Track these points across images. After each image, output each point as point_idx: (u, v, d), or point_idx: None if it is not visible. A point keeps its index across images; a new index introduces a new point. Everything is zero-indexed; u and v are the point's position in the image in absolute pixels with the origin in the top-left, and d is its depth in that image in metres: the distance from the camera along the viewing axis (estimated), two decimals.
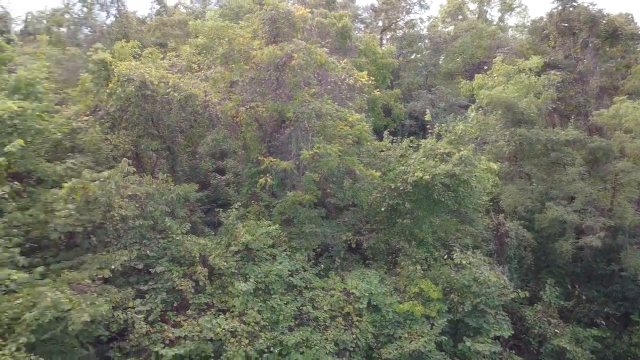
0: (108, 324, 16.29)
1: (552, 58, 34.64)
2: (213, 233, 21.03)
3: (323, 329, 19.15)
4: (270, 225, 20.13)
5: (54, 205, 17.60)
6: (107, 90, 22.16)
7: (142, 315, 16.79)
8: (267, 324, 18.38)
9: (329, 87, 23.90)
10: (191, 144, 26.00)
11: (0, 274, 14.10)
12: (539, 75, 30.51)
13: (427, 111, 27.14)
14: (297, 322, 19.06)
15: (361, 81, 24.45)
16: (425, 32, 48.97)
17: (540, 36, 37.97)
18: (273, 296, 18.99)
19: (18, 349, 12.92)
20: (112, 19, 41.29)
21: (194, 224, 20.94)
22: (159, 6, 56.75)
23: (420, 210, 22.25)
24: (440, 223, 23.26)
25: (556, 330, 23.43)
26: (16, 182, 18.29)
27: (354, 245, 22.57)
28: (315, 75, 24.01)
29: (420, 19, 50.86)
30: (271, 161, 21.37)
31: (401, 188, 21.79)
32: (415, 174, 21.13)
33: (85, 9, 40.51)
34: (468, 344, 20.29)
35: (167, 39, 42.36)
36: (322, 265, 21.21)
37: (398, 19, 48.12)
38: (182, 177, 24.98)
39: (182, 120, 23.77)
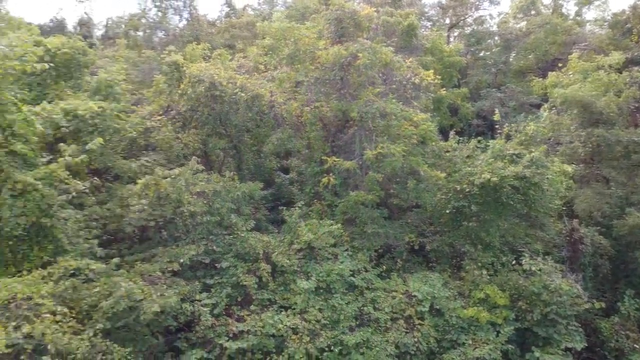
0: (176, 315, 16.94)
1: (635, 54, 32.38)
2: (276, 231, 21.38)
3: (384, 330, 18.98)
4: (332, 225, 20.20)
5: (129, 200, 18.61)
6: (179, 91, 23.10)
7: (208, 308, 17.34)
8: (328, 322, 18.45)
9: (394, 86, 23.66)
10: (257, 143, 26.57)
11: (80, 263, 15.03)
12: (620, 73, 28.60)
13: (496, 110, 26.20)
14: (357, 323, 19.00)
15: (427, 80, 24.02)
16: (495, 28, 47.34)
17: (621, 30, 35.58)
18: (334, 295, 19.04)
19: (95, 335, 13.71)
20: (185, 22, 43.11)
21: (258, 222, 21.41)
22: (228, 9, 58.53)
23: (487, 213, 21.52)
24: (508, 227, 22.39)
25: (635, 345, 21.84)
26: (95, 178, 19.48)
27: (416, 247, 22.20)
28: (380, 75, 23.85)
29: (490, 15, 49.45)
30: (334, 161, 21.43)
31: (467, 190, 21.17)
32: (483, 175, 20.45)
33: (160, 14, 42.48)
34: (537, 354, 19.37)
35: (235, 41, 43.64)
36: (383, 267, 21.03)
37: (466, 16, 46.80)
38: (247, 175, 25.63)
39: (249, 120, 24.34)
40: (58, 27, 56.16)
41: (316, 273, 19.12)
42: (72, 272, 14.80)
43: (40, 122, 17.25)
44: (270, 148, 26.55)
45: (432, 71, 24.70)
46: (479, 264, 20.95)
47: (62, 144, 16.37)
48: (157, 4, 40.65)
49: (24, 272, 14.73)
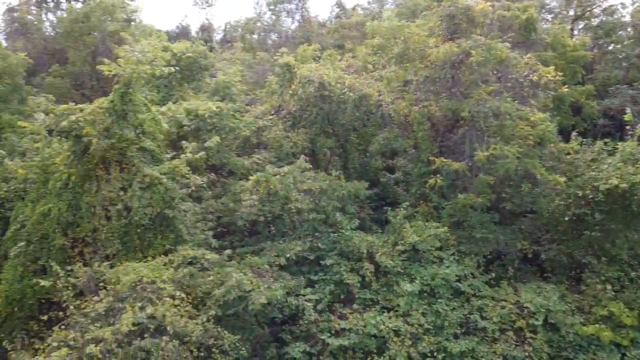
0: (281, 308, 17.51)
1: None
2: (380, 231, 21.26)
3: (491, 341, 18.07)
4: (438, 227, 19.63)
5: (241, 196, 19.61)
6: (290, 91, 23.88)
7: (312, 304, 17.70)
8: (431, 327, 17.98)
9: (509, 84, 22.35)
10: (363, 142, 26.65)
11: (197, 253, 16.13)
12: None
13: (627, 109, 23.66)
14: (462, 330, 18.30)
15: (546, 77, 22.37)
16: (627, 19, 42.81)
17: None
18: (439, 300, 18.51)
19: (208, 320, 14.62)
20: (296, 24, 44.48)
21: (362, 221, 21.44)
22: (338, 9, 59.38)
23: (614, 222, 19.54)
24: (638, 239, 20.17)
25: None
26: (212, 174, 20.81)
27: (530, 256, 20.82)
28: (494, 72, 22.69)
29: (622, 4, 44.69)
30: (442, 161, 20.79)
31: (590, 196, 19.37)
32: (610, 181, 18.59)
33: (273, 17, 44.25)
34: None
35: (344, 41, 44.15)
36: (492, 274, 20.00)
37: (594, 6, 42.85)
38: (353, 174, 25.78)
39: (356, 120, 24.50)
40: (183, 33, 60.92)
41: (420, 276, 18.71)
42: (189, 260, 15.90)
43: (166, 121, 18.85)
44: (376, 147, 26.48)
45: (552, 67, 22.93)
46: (603, 277, 19.13)
47: (184, 142, 17.68)
48: (272, 7, 42.34)
49: (149, 258, 16.11)
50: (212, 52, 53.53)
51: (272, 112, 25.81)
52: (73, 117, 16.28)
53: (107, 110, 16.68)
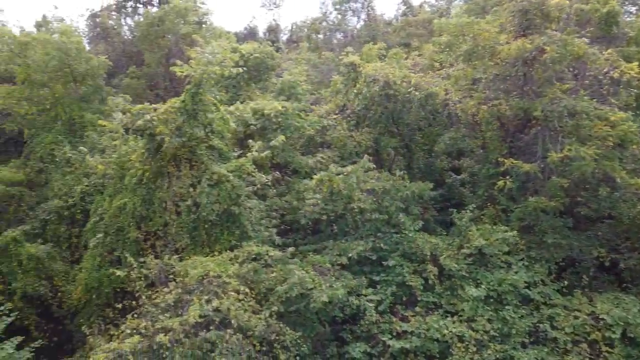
0: (343, 307, 17.51)
1: None
2: (445, 233, 20.77)
3: (562, 352, 17.15)
4: (507, 231, 18.88)
5: (304, 194, 19.82)
6: (355, 90, 23.85)
7: (373, 304, 17.58)
8: (498, 335, 17.34)
9: (587, 82, 21.11)
10: (428, 142, 26.15)
11: (261, 249, 16.48)
12: None
13: None
14: (531, 340, 17.50)
15: (629, 74, 20.90)
16: None
17: None
18: (506, 307, 17.80)
19: (270, 316, 14.90)
20: (362, 23, 44.31)
21: (426, 222, 21.03)
22: (405, 7, 58.62)
23: None
24: None
25: None
26: (277, 172, 21.16)
27: (607, 264, 19.53)
28: (570, 69, 21.52)
29: None
30: (512, 163, 19.96)
31: None
32: None
33: (339, 16, 44.32)
34: None
35: (411, 39, 43.48)
36: (565, 282, 18.97)
37: None
38: (417, 174, 25.34)
39: (421, 119, 24.08)
40: (250, 34, 62.39)
41: (486, 281, 18.09)
42: (254, 256, 16.26)
43: (234, 121, 19.38)
44: (442, 147, 25.90)
45: (636, 64, 21.42)
46: None
47: (250, 141, 18.10)
48: (337, 7, 42.45)
49: (215, 253, 16.66)
50: (278, 53, 54.59)
51: (337, 112, 25.89)
52: (147, 117, 17.12)
53: (179, 110, 17.40)
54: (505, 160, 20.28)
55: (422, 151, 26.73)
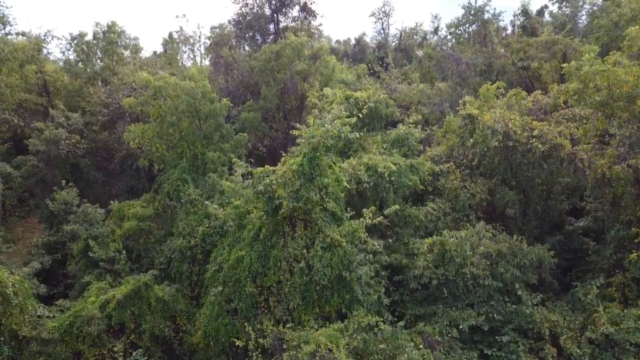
0: None
1: None
2: (566, 307, 19.35)
3: None
4: None
5: (415, 255, 19.54)
6: (471, 140, 22.97)
7: None
8: None
9: None
10: (547, 182, 24.34)
11: (371, 319, 16.53)
12: None
13: None
14: None
15: None
16: None
17: None
18: None
19: None
20: (476, 46, 42.18)
21: (544, 291, 19.77)
22: (524, 18, 55.58)
23: None
24: None
25: None
26: (386, 219, 20.76)
27: None
28: None
29: None
30: None
31: None
32: None
33: (453, 40, 42.71)
34: None
35: (530, 61, 40.84)
36: None
37: None
38: (532, 218, 23.75)
39: (543, 172, 22.60)
40: (360, 51, 62.61)
41: None
42: (363, 327, 16.37)
43: (347, 179, 19.57)
44: (561, 188, 24.18)
45: None
46: None
47: (364, 210, 18.07)
48: (452, 30, 41.03)
49: (325, 315, 17.02)
50: (387, 73, 54.25)
51: (449, 155, 25.16)
52: (267, 180, 17.86)
53: (296, 173, 17.95)
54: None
55: (539, 193, 24.96)
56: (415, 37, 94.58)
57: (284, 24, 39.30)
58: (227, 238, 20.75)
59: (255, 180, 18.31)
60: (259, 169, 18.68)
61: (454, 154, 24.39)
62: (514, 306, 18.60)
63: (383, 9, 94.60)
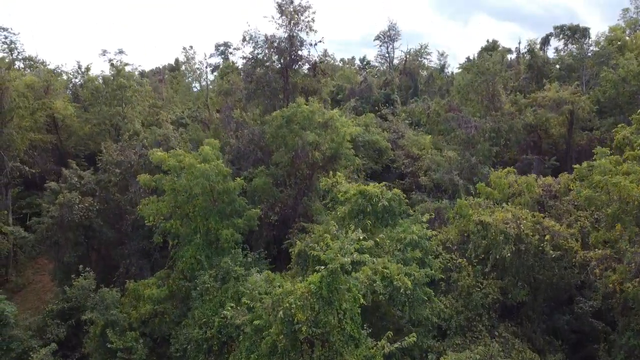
0: None
1: None
2: None
3: None
4: None
5: None
6: (484, 242, 23.33)
7: None
8: None
9: None
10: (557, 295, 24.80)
11: None
12: None
13: None
14: None
15: None
16: None
17: None
18: None
19: None
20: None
21: None
22: (529, 57, 56.05)
23: None
24: None
25: None
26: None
27: None
28: None
29: None
30: None
31: None
32: None
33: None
34: None
35: (537, 120, 41.17)
36: None
37: None
38: (542, 313, 24.14)
39: (554, 275, 23.04)
40: (367, 88, 62.81)
41: None
42: None
43: (362, 291, 19.87)
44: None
45: None
46: None
47: (383, 341, 18.40)
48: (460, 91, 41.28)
49: None
50: (391, 110, 54.18)
51: (460, 242, 25.54)
52: (287, 304, 18.21)
53: (314, 295, 18.32)
54: None
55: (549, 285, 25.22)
56: (419, 59, 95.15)
57: (294, 79, 39.54)
58: (244, 341, 21.03)
59: (274, 303, 18.67)
60: (278, 290, 19.06)
61: (464, 245, 24.71)
62: None
63: (388, 34, 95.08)
